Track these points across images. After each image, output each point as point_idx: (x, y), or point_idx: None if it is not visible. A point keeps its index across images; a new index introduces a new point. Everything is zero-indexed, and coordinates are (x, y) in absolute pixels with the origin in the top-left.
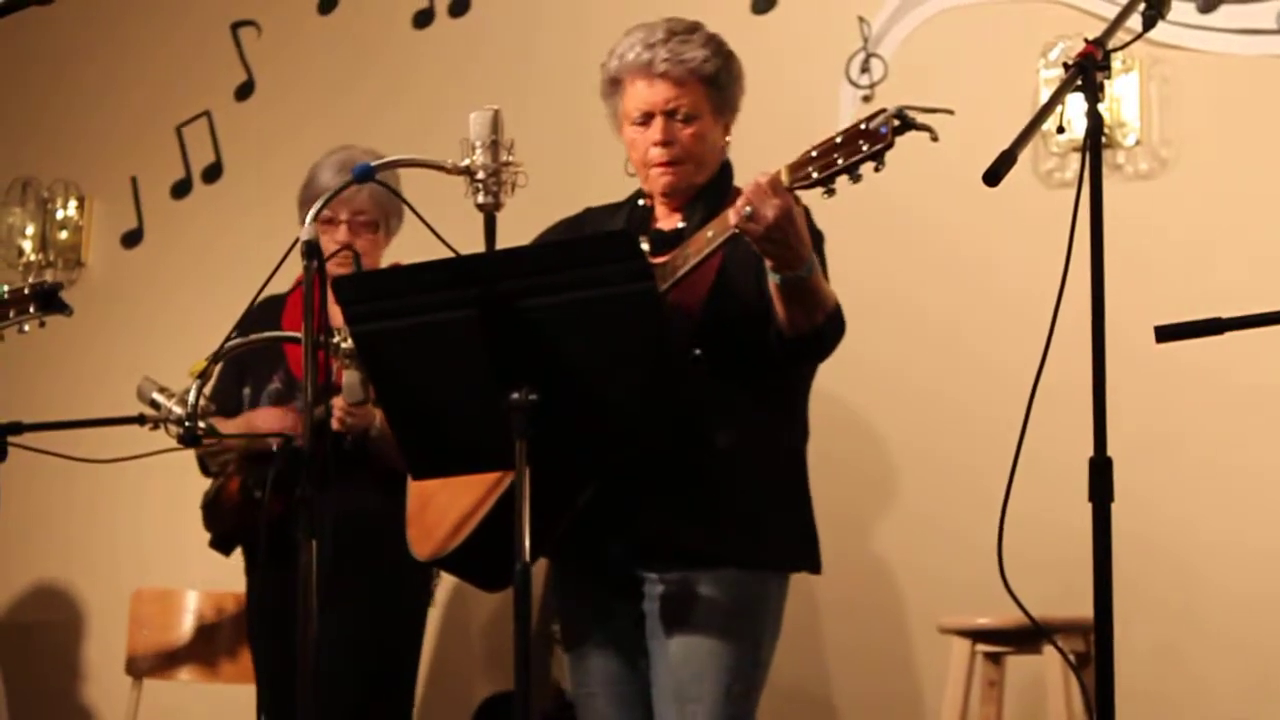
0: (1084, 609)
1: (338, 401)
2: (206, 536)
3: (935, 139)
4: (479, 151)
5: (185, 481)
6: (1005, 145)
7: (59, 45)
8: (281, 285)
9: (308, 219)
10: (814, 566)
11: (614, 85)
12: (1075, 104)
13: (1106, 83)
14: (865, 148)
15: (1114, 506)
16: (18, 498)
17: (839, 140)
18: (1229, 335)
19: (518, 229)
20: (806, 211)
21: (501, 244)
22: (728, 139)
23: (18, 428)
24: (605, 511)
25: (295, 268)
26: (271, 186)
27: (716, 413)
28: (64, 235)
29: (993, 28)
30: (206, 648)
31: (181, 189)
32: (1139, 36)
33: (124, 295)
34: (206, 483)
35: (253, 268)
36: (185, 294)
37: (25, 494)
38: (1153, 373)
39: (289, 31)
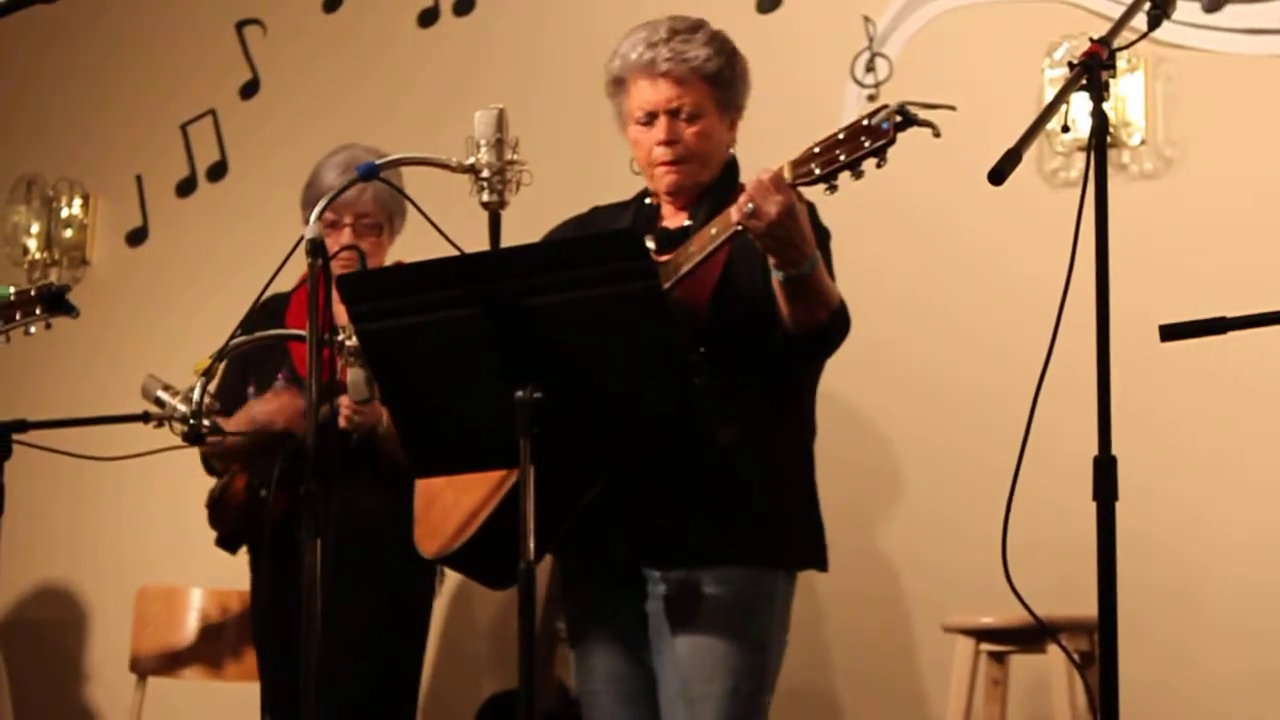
0: (1088, 607)
1: (344, 399)
2: (210, 534)
3: (938, 135)
4: (484, 150)
5: (189, 479)
6: (1010, 144)
7: (64, 44)
8: (285, 284)
9: (312, 217)
10: (821, 564)
11: (618, 85)
12: (1080, 103)
13: (1111, 82)
14: (867, 144)
15: (1118, 504)
16: (22, 496)
17: (841, 136)
18: (1233, 334)
19: (523, 227)
20: (812, 208)
21: (506, 242)
22: (733, 137)
23: (22, 425)
24: (611, 509)
25: (299, 266)
26: (276, 185)
27: (722, 410)
28: (69, 233)
29: (998, 27)
30: (211, 646)
31: (186, 187)
32: (1144, 36)
33: (129, 293)
34: (211, 481)
35: (257, 266)
36: (190, 292)
37: (30, 492)
38: (1157, 371)
39: (294, 30)
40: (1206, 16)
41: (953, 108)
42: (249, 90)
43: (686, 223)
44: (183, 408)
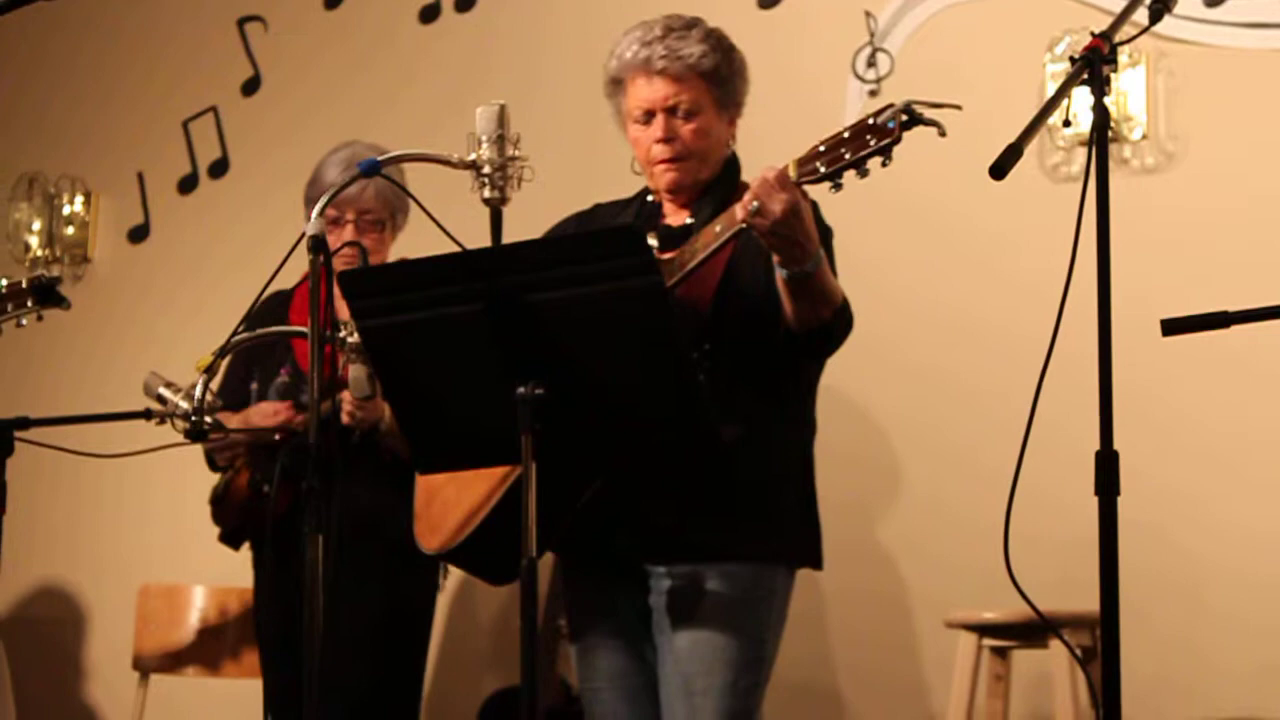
0: (1090, 601)
1: (346, 395)
2: (212, 531)
3: (943, 134)
4: (485, 146)
5: (191, 476)
6: (1011, 139)
7: (65, 41)
8: (287, 280)
9: (314, 214)
10: (816, 562)
11: (616, 84)
12: (1081, 98)
13: (1113, 76)
14: (873, 143)
15: (1120, 498)
16: (24, 493)
17: (846, 135)
18: (1235, 328)
19: (524, 223)
20: (815, 206)
21: (508, 238)
22: (733, 133)
23: (24, 422)
24: (612, 506)
25: (301, 263)
26: (278, 181)
27: (723, 408)
28: (70, 231)
29: (999, 22)
30: (213, 643)
31: (188, 184)
32: (1146, 30)
33: (130, 290)
34: (213, 478)
35: (259, 263)
36: (191, 289)
37: (32, 489)
38: (1159, 365)
39: (295, 27)
40: (1208, 10)
41: (958, 107)
42: (250, 87)
43: (688, 220)
44: (185, 405)
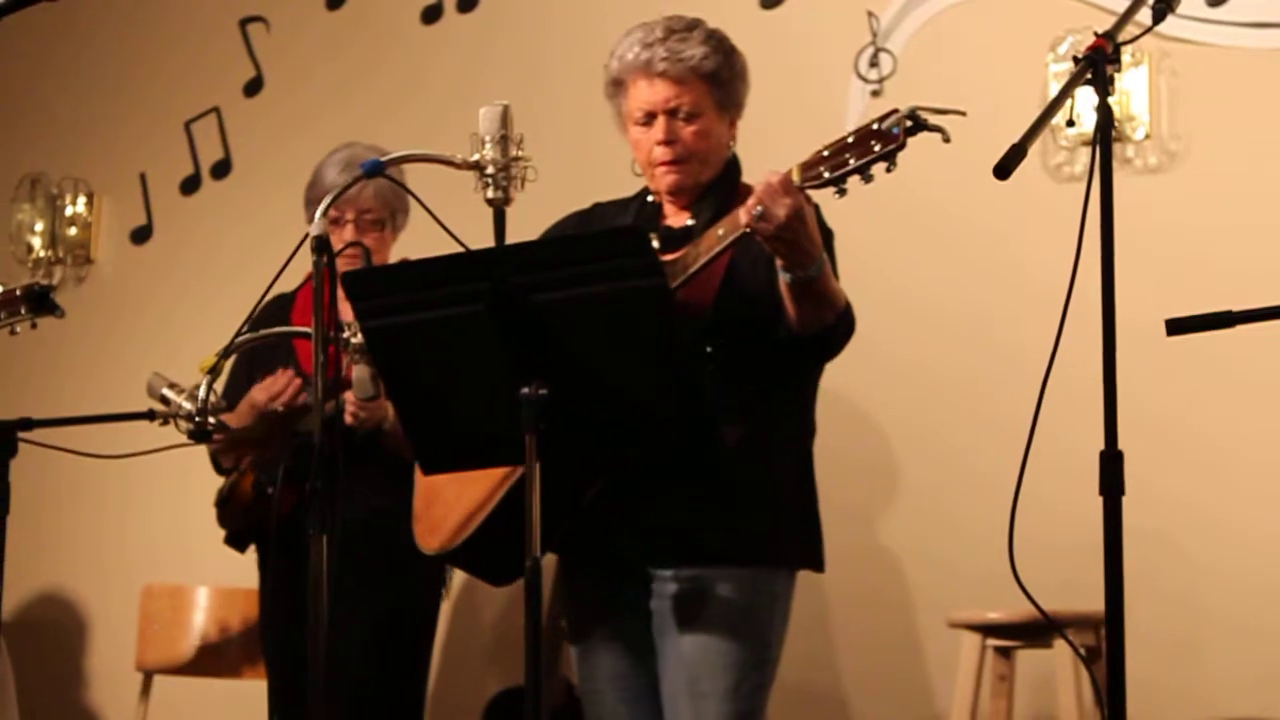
0: (1094, 602)
1: (349, 396)
2: (216, 532)
3: (947, 140)
4: (489, 146)
5: (195, 477)
6: (1014, 139)
7: (68, 42)
8: (289, 282)
9: (318, 214)
10: (818, 565)
11: (616, 86)
12: (1084, 98)
13: (1116, 76)
14: (877, 148)
15: (1125, 499)
16: (28, 494)
17: (851, 140)
18: (1239, 328)
19: (527, 224)
20: (817, 209)
21: (511, 239)
22: (733, 135)
23: (28, 423)
24: (614, 507)
25: (303, 264)
26: (280, 182)
27: (725, 410)
28: (73, 232)
29: (1002, 22)
30: (218, 644)
31: (190, 185)
32: (1149, 30)
33: (133, 291)
34: (217, 479)
35: (262, 264)
36: (194, 290)
37: (35, 491)
38: (1164, 366)
39: (298, 27)
40: (1211, 10)
41: (962, 113)
42: (253, 88)
43: (689, 222)
44: (188, 405)
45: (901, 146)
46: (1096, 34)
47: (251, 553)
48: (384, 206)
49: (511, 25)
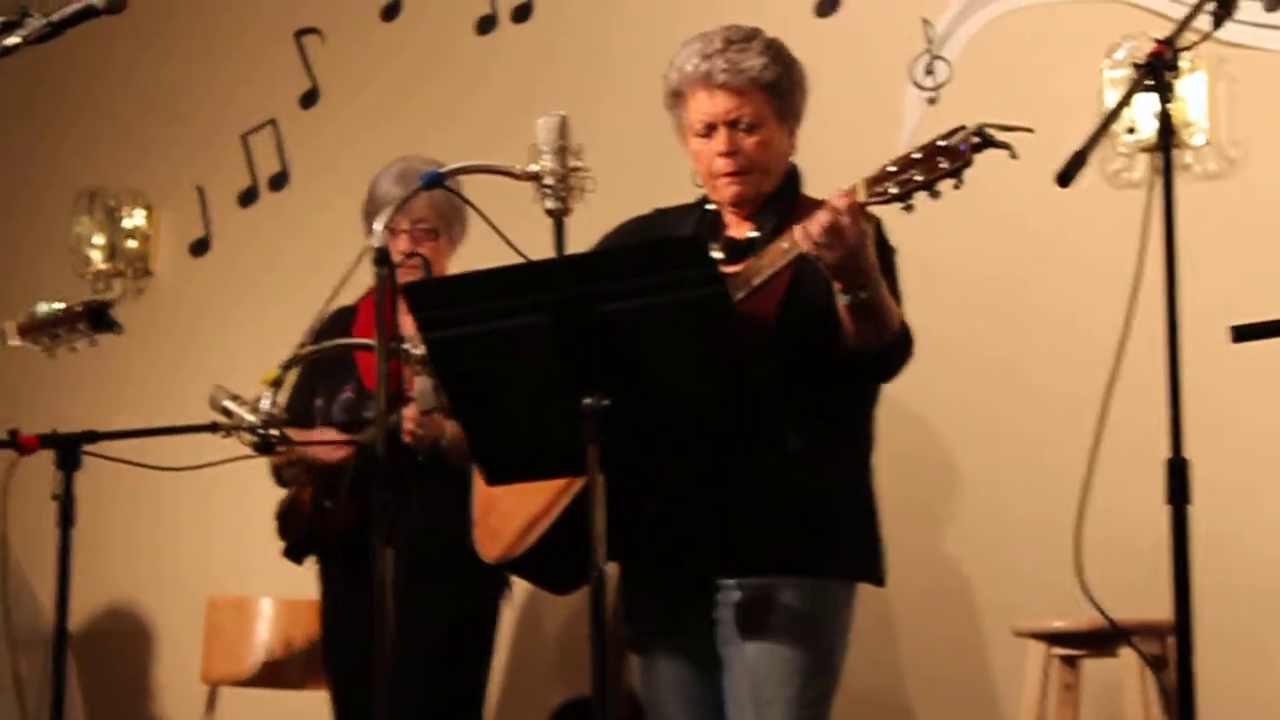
0: (1160, 610)
1: (407, 413)
2: (278, 544)
3: (1014, 157)
4: (547, 157)
5: (257, 489)
6: (1071, 146)
7: (125, 56)
8: (348, 296)
9: (378, 226)
10: (878, 579)
11: (676, 97)
12: (1142, 104)
13: (1174, 82)
14: (944, 165)
15: (1192, 505)
16: (92, 507)
17: (917, 156)
18: None
19: (586, 234)
20: (879, 225)
21: (570, 249)
22: (793, 144)
23: (92, 436)
24: (676, 517)
25: (362, 276)
26: (338, 193)
27: (786, 421)
28: (132, 244)
29: (1057, 28)
30: (282, 656)
31: (248, 197)
32: (1207, 36)
33: (192, 304)
34: (279, 491)
35: (320, 275)
36: (253, 301)
37: (99, 503)
38: (1228, 372)
39: (353, 39)
40: (1269, 15)
41: (1030, 130)
42: (309, 99)
43: (752, 233)
44: (250, 417)
45: (968, 164)
46: (1156, 40)
47: (312, 565)
48: (437, 216)
49: (566, 35)
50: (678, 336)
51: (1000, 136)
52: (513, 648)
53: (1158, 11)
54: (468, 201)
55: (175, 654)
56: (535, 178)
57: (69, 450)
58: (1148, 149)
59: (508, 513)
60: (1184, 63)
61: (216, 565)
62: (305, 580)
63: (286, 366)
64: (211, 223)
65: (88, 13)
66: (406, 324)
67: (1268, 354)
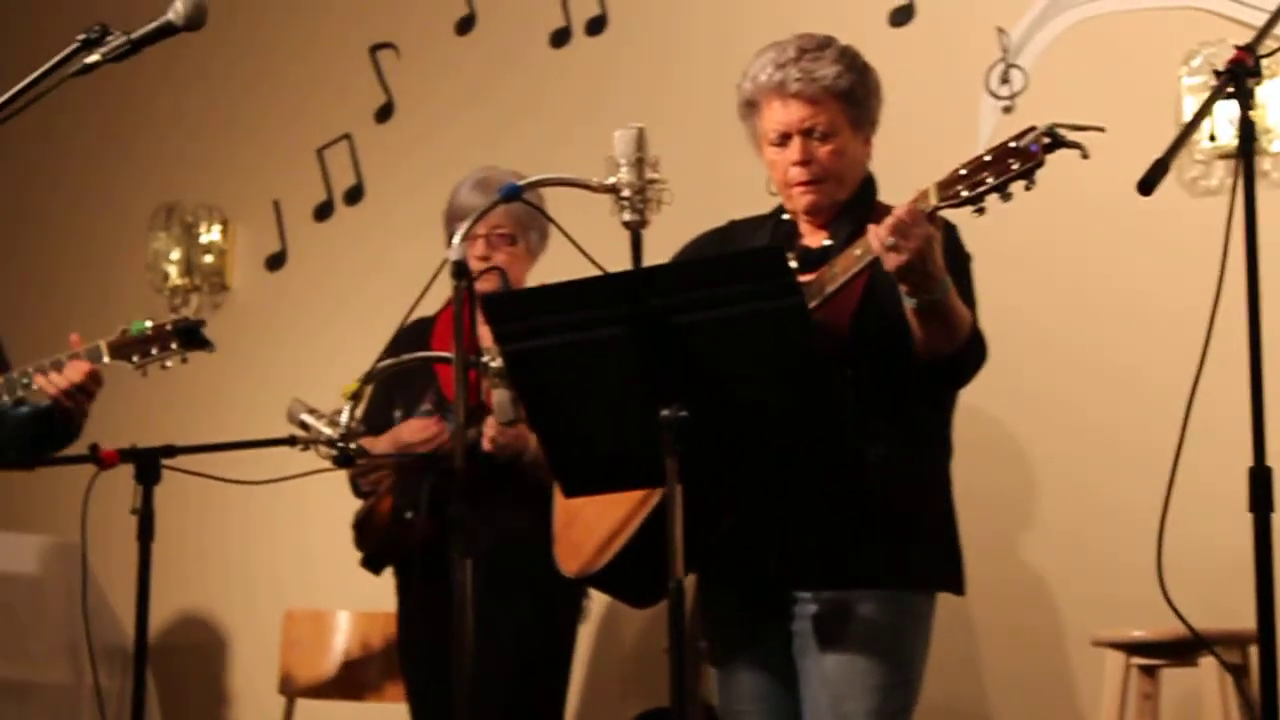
0: (1240, 620)
1: (490, 422)
2: (354, 556)
3: (1086, 156)
4: (624, 169)
5: (333, 502)
6: (1148, 154)
7: (201, 72)
8: (425, 308)
9: (455, 239)
10: (959, 588)
11: (750, 107)
12: (1221, 110)
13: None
14: (1015, 166)
15: (1275, 514)
16: (169, 520)
17: (988, 159)
18: None
19: (663, 246)
20: (953, 230)
21: (647, 261)
22: (868, 152)
23: (170, 450)
24: (754, 528)
25: (439, 289)
26: (413, 206)
27: (863, 431)
28: (208, 259)
29: (1133, 36)
30: (358, 667)
31: (324, 211)
32: None
33: (269, 318)
34: (356, 503)
35: (396, 288)
36: (329, 315)
37: (176, 517)
38: None
39: (427, 53)
40: None
41: (1101, 129)
42: (384, 114)
43: (827, 242)
44: (328, 430)
45: (1040, 164)
46: (1237, 47)
47: (388, 576)
48: (514, 223)
49: (641, 47)
50: (756, 347)
51: (1071, 136)
52: (588, 659)
53: (1234, 18)
54: (546, 215)
55: (252, 666)
56: (612, 190)
57: (148, 464)
58: (1225, 155)
59: (587, 527)
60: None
61: (292, 577)
62: (379, 592)
63: (366, 380)
64: (287, 237)
65: (166, 30)
66: (484, 336)
67: None
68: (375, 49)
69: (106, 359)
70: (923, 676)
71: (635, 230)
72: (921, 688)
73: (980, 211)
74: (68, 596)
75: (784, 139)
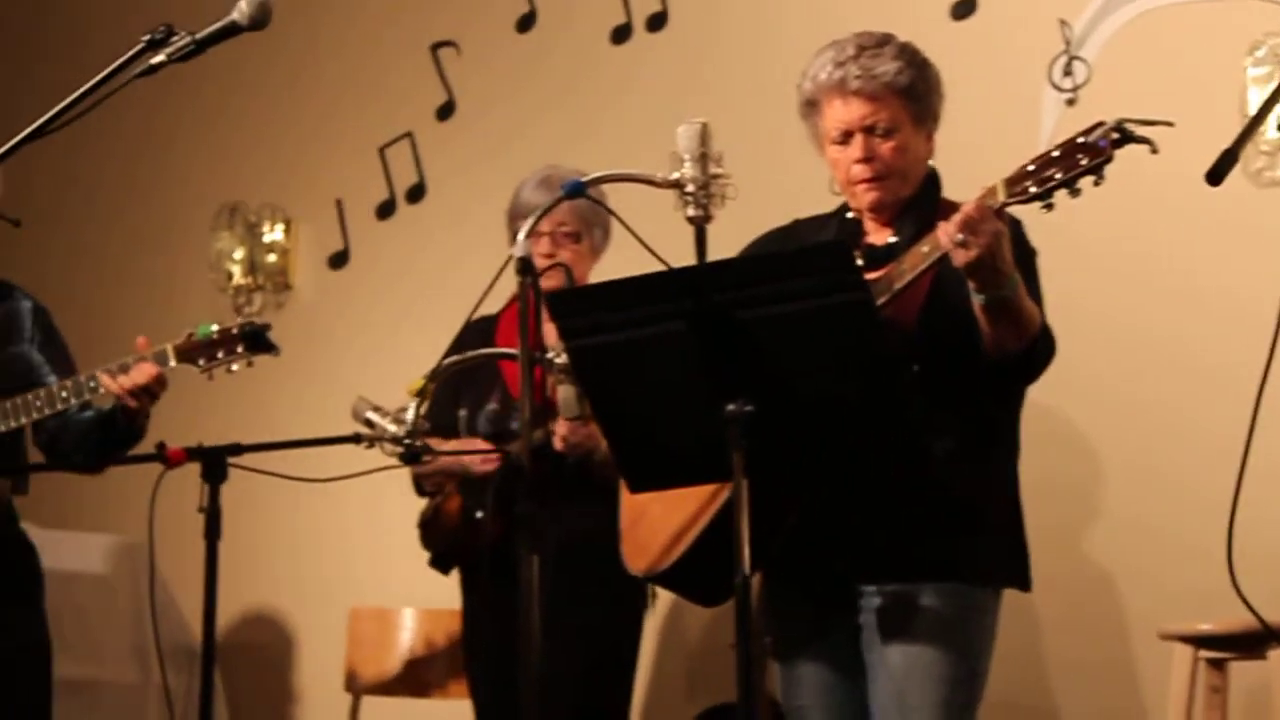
0: None
1: (560, 422)
2: (417, 554)
3: (1155, 151)
4: (688, 164)
5: (397, 500)
6: (1212, 145)
7: (263, 72)
8: (487, 306)
9: (520, 235)
10: (1024, 584)
11: (811, 106)
12: None
13: None
14: (1084, 162)
15: None
16: (236, 519)
17: (1056, 154)
18: None
19: (727, 241)
20: (1018, 225)
21: (711, 256)
22: (931, 148)
23: (237, 449)
24: (821, 523)
25: (503, 286)
26: (475, 204)
27: (930, 426)
28: (271, 258)
29: (1197, 27)
30: (423, 665)
31: (386, 210)
32: None
33: (332, 316)
34: (418, 501)
35: (459, 285)
36: (392, 313)
37: (242, 515)
38: None
39: (488, 51)
40: None
41: (1170, 123)
42: (445, 112)
43: (892, 239)
44: (393, 428)
45: (1109, 159)
46: None
47: (452, 574)
48: (578, 220)
49: (702, 43)
50: (821, 342)
51: (1140, 131)
52: (651, 656)
53: None
54: (610, 210)
55: (317, 663)
56: (676, 185)
57: (215, 463)
58: None
59: (654, 525)
60: None
61: (357, 575)
62: (444, 589)
63: (432, 377)
64: (350, 236)
65: (231, 30)
66: (549, 333)
67: None
68: (436, 47)
69: (173, 363)
70: (988, 671)
71: (699, 225)
72: (987, 682)
73: (1049, 207)
74: (135, 596)
75: (846, 137)
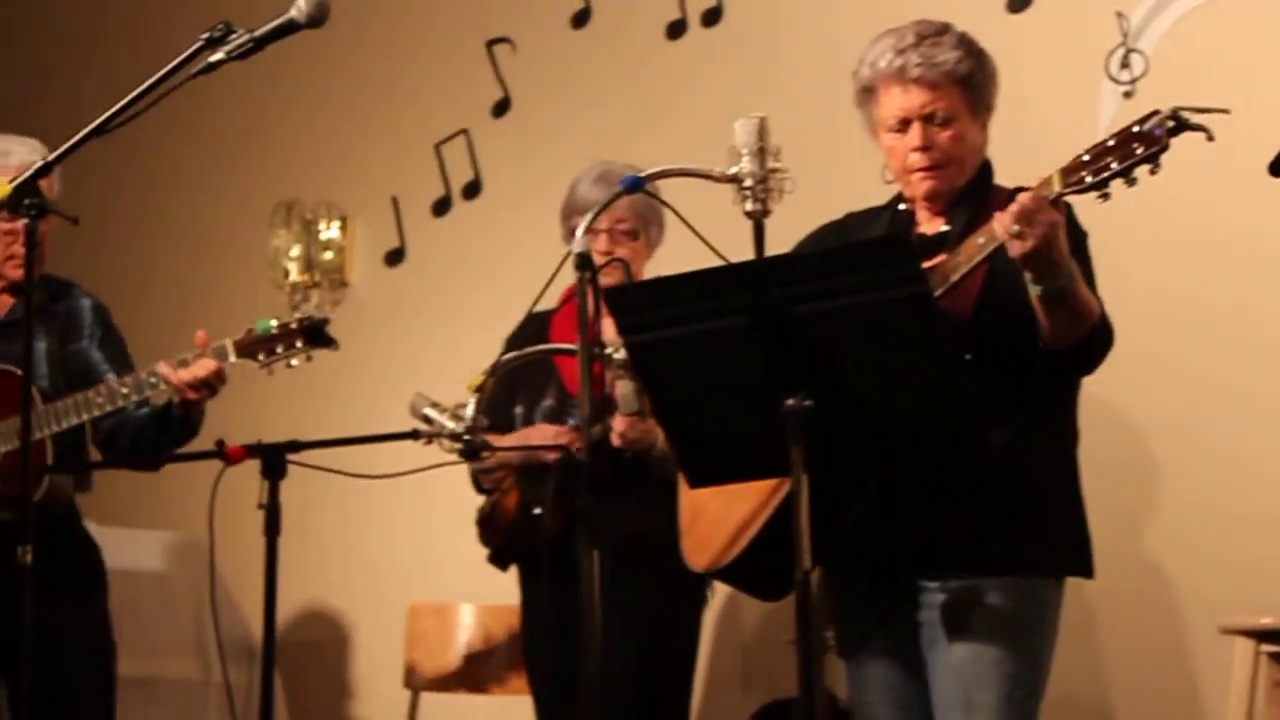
0: None
1: (618, 417)
2: (476, 550)
3: (1211, 139)
4: (746, 159)
5: (454, 496)
6: (1272, 134)
7: (319, 69)
8: (541, 302)
9: (579, 231)
10: (1087, 571)
11: (867, 93)
12: None
13: None
14: (1140, 151)
15: None
16: (295, 515)
17: (1111, 144)
18: None
19: (785, 235)
20: (1069, 209)
21: (769, 250)
22: (985, 138)
23: (295, 446)
24: (880, 518)
25: (559, 281)
26: (531, 200)
27: (989, 418)
28: (328, 256)
29: (1254, 18)
30: (482, 660)
31: (442, 207)
32: None
33: (388, 313)
34: (474, 497)
35: (514, 282)
36: (448, 310)
37: (300, 511)
38: None
39: (543, 47)
40: None
41: (1226, 111)
42: (500, 108)
43: (944, 228)
44: (451, 424)
45: (1165, 148)
46: None
47: (511, 569)
48: (636, 217)
49: (756, 38)
50: (880, 336)
51: (1196, 119)
52: (709, 651)
53: None
54: (667, 205)
55: (376, 659)
56: (734, 180)
57: (274, 460)
58: None
59: (714, 521)
60: None
61: (416, 571)
62: (502, 584)
63: (491, 373)
64: (406, 233)
65: (289, 27)
66: (607, 328)
67: None
68: (491, 44)
69: (232, 358)
70: (1051, 663)
71: (758, 220)
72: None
73: (1105, 197)
74: (195, 592)
75: (904, 125)
